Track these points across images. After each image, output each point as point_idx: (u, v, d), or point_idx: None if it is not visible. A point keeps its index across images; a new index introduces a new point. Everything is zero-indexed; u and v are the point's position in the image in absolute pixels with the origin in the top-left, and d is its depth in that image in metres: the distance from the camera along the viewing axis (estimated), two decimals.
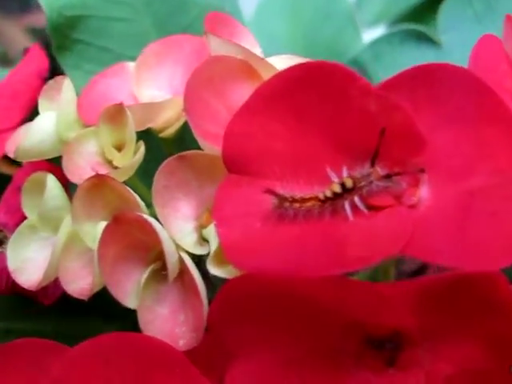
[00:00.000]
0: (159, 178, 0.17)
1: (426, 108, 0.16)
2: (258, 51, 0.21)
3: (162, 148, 0.21)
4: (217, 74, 0.18)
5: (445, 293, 0.15)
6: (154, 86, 0.21)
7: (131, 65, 0.22)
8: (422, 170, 0.16)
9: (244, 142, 0.17)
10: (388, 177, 0.15)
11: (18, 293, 0.20)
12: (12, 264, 0.18)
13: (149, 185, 0.19)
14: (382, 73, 0.27)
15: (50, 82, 0.20)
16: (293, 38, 0.32)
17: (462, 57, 0.28)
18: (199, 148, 0.21)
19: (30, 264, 0.19)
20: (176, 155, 0.17)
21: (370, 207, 0.16)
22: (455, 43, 0.27)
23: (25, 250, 0.19)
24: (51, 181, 0.18)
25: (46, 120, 0.19)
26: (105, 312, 0.19)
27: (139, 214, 0.17)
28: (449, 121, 0.16)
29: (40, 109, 0.20)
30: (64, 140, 0.19)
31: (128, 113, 0.18)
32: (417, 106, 0.16)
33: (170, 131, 0.20)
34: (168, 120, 0.20)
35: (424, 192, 0.16)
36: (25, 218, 0.20)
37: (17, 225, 0.20)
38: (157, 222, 0.17)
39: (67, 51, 0.23)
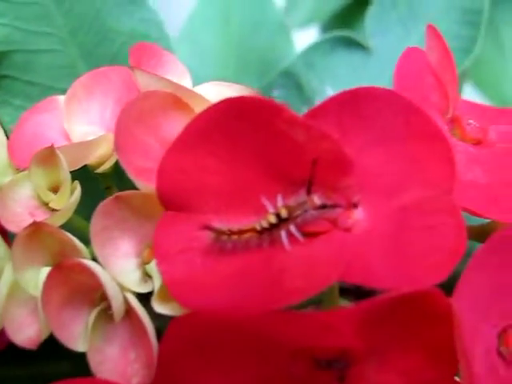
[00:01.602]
0: (97, 220, 0.17)
1: (354, 131, 0.17)
2: (187, 81, 0.21)
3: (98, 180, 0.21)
4: (147, 110, 0.18)
5: (385, 312, 0.16)
6: (84, 120, 0.21)
7: (62, 98, 0.22)
8: (355, 193, 0.16)
9: (178, 178, 0.17)
10: (324, 206, 0.16)
11: None
12: None
13: (86, 216, 0.19)
14: (315, 81, 0.28)
15: None
16: (225, 49, 0.32)
17: (389, 61, 0.28)
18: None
19: None
20: (113, 196, 0.17)
21: (306, 234, 0.16)
22: (382, 47, 0.28)
23: None
24: None
25: None
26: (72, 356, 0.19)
27: (79, 259, 0.17)
28: (377, 141, 0.17)
29: None
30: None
31: (60, 155, 0.18)
32: (344, 131, 0.16)
33: (105, 166, 0.20)
34: (103, 156, 0.20)
35: (359, 214, 0.17)
36: None
37: None
38: (97, 266, 0.17)
39: None
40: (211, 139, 0.16)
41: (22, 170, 0.19)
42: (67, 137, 0.20)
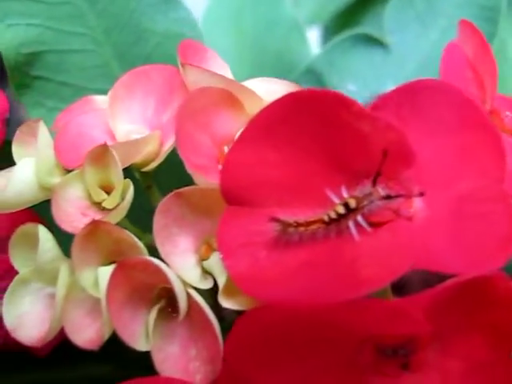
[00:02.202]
0: (158, 218, 0.17)
1: (411, 123, 0.17)
2: (229, 75, 0.21)
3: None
4: (199, 107, 0.18)
5: (452, 297, 0.16)
6: (127, 119, 0.21)
7: (98, 98, 0.22)
8: (415, 185, 0.17)
9: (241, 174, 0.17)
10: (389, 197, 0.16)
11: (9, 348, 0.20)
12: (9, 322, 0.18)
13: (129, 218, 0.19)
14: (336, 79, 0.28)
15: (22, 126, 0.19)
16: (239, 50, 0.33)
17: (408, 57, 0.29)
18: (170, 178, 0.21)
19: (27, 318, 0.18)
20: (172, 193, 0.17)
21: (371, 224, 0.17)
22: (401, 44, 0.29)
23: (20, 305, 0.18)
24: (43, 233, 0.17)
25: (25, 168, 0.19)
26: (115, 358, 0.19)
27: (143, 257, 0.17)
28: (433, 133, 0.17)
29: (15, 157, 0.19)
30: (46, 186, 0.19)
31: (114, 153, 0.18)
32: (403, 123, 0.17)
33: (152, 165, 0.20)
34: (149, 154, 0.20)
35: (418, 203, 0.17)
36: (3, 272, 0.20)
37: None
38: (162, 263, 0.17)
39: (27, 89, 0.22)
40: (274, 134, 0.17)
41: (70, 171, 0.19)
42: (112, 135, 0.20)
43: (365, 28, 0.29)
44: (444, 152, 0.17)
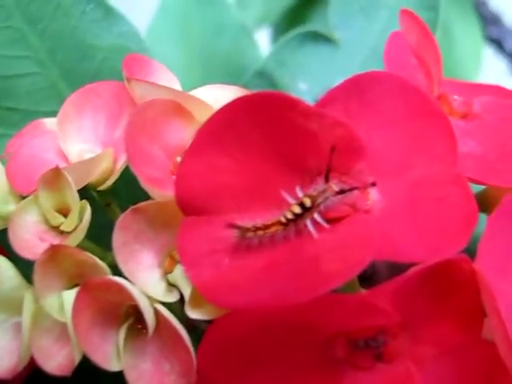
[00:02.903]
0: (117, 236, 0.17)
1: (360, 116, 0.17)
2: (177, 86, 0.21)
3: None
4: (149, 119, 0.18)
5: (416, 285, 0.16)
6: (79, 139, 0.20)
7: (48, 121, 0.22)
8: (369, 177, 0.17)
9: (195, 183, 0.17)
10: (342, 192, 0.16)
11: None
12: None
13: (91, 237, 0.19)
14: (287, 78, 0.28)
15: None
16: (188, 58, 0.32)
17: (356, 50, 0.29)
18: (128, 195, 0.21)
19: None
20: (129, 209, 0.17)
21: (329, 220, 0.17)
22: (348, 38, 0.29)
23: None
24: (3, 262, 0.17)
25: None
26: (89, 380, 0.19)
27: (107, 277, 0.17)
28: (383, 124, 0.17)
29: None
30: (2, 215, 0.19)
31: (67, 175, 0.18)
32: (352, 117, 0.17)
33: (108, 183, 0.20)
34: (104, 172, 0.20)
35: (374, 195, 0.17)
36: None
37: None
38: (125, 281, 0.17)
39: None
40: (224, 140, 0.17)
41: (25, 197, 0.19)
42: (64, 157, 0.20)
43: (311, 25, 0.29)
44: (395, 142, 0.18)
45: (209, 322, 0.19)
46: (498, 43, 0.43)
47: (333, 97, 0.17)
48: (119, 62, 0.23)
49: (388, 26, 0.27)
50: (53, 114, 0.22)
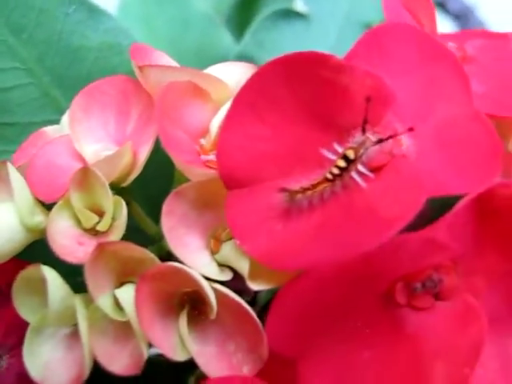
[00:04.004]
0: (164, 221, 0.17)
1: (382, 66, 0.18)
2: None
3: None
4: (170, 104, 0.18)
5: (466, 216, 0.17)
6: (91, 139, 0.20)
7: (49, 129, 0.21)
8: (398, 124, 0.17)
9: (236, 155, 0.17)
10: (380, 141, 0.16)
11: None
12: (35, 375, 0.17)
13: None
14: (266, 58, 0.28)
15: None
16: None
17: (328, 23, 0.30)
18: (142, 195, 0.21)
19: (52, 366, 0.17)
20: (171, 193, 0.17)
21: (372, 170, 0.17)
22: (318, 12, 0.29)
23: (41, 355, 0.17)
24: (49, 272, 0.16)
25: (5, 214, 0.18)
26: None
27: (165, 264, 0.16)
28: (401, 72, 0.18)
29: None
30: (32, 227, 0.18)
31: (98, 173, 0.17)
32: (374, 67, 0.17)
33: (130, 179, 0.19)
34: (124, 169, 0.19)
35: (406, 141, 0.18)
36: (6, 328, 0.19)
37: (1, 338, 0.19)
38: (182, 265, 0.17)
39: None
40: (258, 107, 0.17)
41: (49, 206, 0.18)
42: (81, 158, 0.19)
43: (281, 3, 0.29)
44: (415, 88, 0.18)
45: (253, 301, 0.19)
46: (441, 5, 0.44)
47: (356, 52, 0.17)
48: (111, 59, 0.22)
49: None
50: (49, 123, 0.22)
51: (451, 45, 0.22)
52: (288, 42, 0.29)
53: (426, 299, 0.17)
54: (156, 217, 0.20)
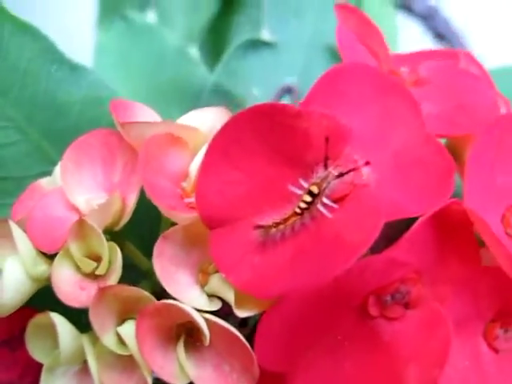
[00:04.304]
0: (155, 262, 0.19)
1: (337, 106, 0.19)
2: (158, 118, 0.22)
3: None
4: (152, 156, 0.20)
5: (423, 234, 0.19)
6: (83, 190, 0.22)
7: (43, 182, 0.23)
8: (357, 156, 0.19)
9: (214, 200, 0.19)
10: (341, 175, 0.18)
11: None
12: None
13: None
14: (241, 88, 0.30)
15: None
16: (135, 94, 0.34)
17: (295, 50, 0.32)
18: (135, 235, 0.22)
19: None
20: (160, 237, 0.19)
21: (336, 201, 0.19)
22: (285, 40, 0.31)
23: None
24: (57, 318, 0.18)
25: (12, 268, 0.20)
26: None
27: (161, 301, 0.18)
28: (357, 108, 0.20)
29: None
30: (36, 277, 0.20)
31: (92, 224, 0.19)
32: (331, 108, 0.19)
33: (121, 223, 0.21)
34: (116, 215, 0.21)
35: (366, 170, 0.20)
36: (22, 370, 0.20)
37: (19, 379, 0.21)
38: (175, 301, 0.18)
39: None
40: (229, 155, 0.19)
41: (51, 255, 0.20)
42: (75, 209, 0.21)
43: (249, 33, 0.31)
44: (371, 121, 0.20)
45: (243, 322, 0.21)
46: (406, 7, 0.46)
47: (314, 94, 0.19)
48: (94, 111, 0.24)
49: (319, 21, 0.30)
50: (43, 174, 0.24)
51: (404, 70, 0.24)
52: (258, 70, 0.31)
53: (396, 309, 0.19)
54: (149, 253, 0.22)
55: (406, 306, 0.19)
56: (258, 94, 0.31)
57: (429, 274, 0.20)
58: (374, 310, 0.19)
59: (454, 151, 0.23)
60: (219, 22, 0.42)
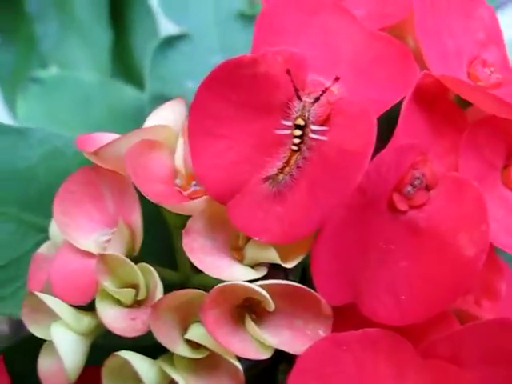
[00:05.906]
0: (192, 259, 0.19)
1: (281, 40, 0.20)
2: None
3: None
4: (137, 166, 0.20)
5: (413, 116, 0.19)
6: (87, 234, 0.21)
7: (42, 249, 0.23)
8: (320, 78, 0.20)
9: (214, 176, 0.19)
10: (317, 99, 0.19)
11: None
12: None
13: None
14: (177, 85, 0.31)
15: (24, 303, 0.20)
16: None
17: (207, 32, 0.32)
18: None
19: None
20: (183, 233, 0.19)
21: (323, 123, 0.19)
22: (192, 27, 0.32)
23: None
24: (129, 355, 0.18)
25: (58, 334, 0.19)
26: None
27: (217, 287, 0.18)
28: (300, 36, 0.20)
29: (40, 334, 0.20)
30: (84, 331, 0.20)
31: (115, 253, 0.19)
32: (276, 44, 0.20)
33: (137, 246, 0.21)
34: (129, 242, 0.21)
35: (336, 88, 0.20)
36: None
37: None
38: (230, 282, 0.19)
39: None
40: (207, 128, 0.19)
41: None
42: (89, 254, 0.21)
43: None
44: (317, 42, 0.21)
45: None
46: None
47: (257, 42, 0.19)
48: (58, 162, 0.24)
49: None
50: (38, 244, 0.23)
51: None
52: (183, 63, 0.31)
53: (421, 195, 0.20)
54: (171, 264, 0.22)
55: (428, 188, 0.20)
56: (193, 85, 0.31)
57: (432, 151, 0.20)
58: (402, 205, 0.20)
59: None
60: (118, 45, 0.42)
